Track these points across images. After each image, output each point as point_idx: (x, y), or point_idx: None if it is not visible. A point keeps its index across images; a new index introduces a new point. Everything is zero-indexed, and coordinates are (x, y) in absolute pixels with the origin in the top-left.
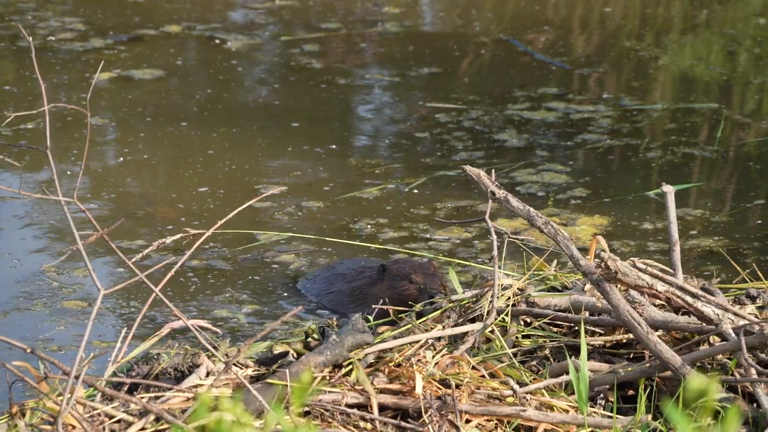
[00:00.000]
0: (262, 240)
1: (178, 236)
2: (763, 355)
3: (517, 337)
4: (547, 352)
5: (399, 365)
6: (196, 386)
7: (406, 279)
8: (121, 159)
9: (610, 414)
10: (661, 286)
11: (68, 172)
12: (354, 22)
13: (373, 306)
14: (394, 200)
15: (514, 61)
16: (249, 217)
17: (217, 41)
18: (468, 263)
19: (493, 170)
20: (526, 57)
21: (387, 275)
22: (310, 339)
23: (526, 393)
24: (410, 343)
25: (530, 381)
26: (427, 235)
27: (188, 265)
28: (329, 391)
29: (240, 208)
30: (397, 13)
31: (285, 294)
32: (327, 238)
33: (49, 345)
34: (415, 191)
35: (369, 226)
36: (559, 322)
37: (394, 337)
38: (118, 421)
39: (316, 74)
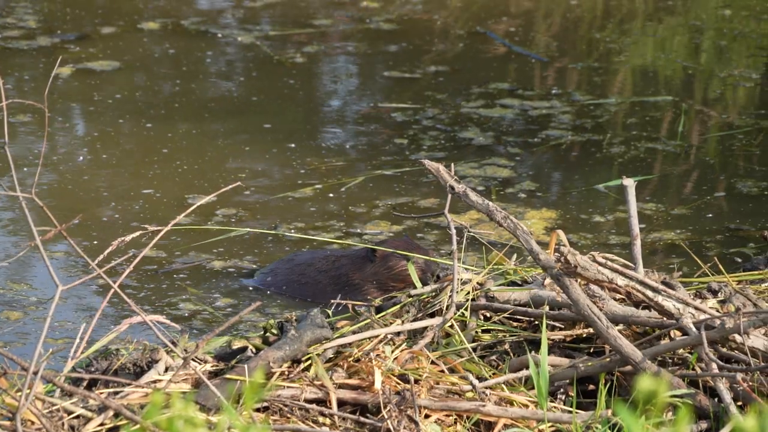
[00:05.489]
0: (217, 237)
1: (137, 233)
2: (723, 350)
3: (476, 332)
4: (506, 346)
5: (358, 360)
6: (154, 381)
7: (406, 259)
8: (81, 158)
9: (570, 409)
10: (621, 281)
11: (24, 169)
12: (337, 19)
13: (359, 296)
14: (334, 198)
15: (485, 55)
16: (186, 220)
17: (189, 35)
18: (426, 257)
19: (452, 164)
20: (494, 50)
21: (380, 257)
22: (268, 334)
23: (486, 388)
24: (369, 338)
25: (490, 376)
26: (358, 230)
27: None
28: (288, 387)
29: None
30: (376, 7)
31: (236, 287)
32: (292, 234)
33: None
34: (354, 189)
35: (293, 229)
36: (519, 317)
37: (353, 332)
38: (77, 417)
39: (293, 72)
